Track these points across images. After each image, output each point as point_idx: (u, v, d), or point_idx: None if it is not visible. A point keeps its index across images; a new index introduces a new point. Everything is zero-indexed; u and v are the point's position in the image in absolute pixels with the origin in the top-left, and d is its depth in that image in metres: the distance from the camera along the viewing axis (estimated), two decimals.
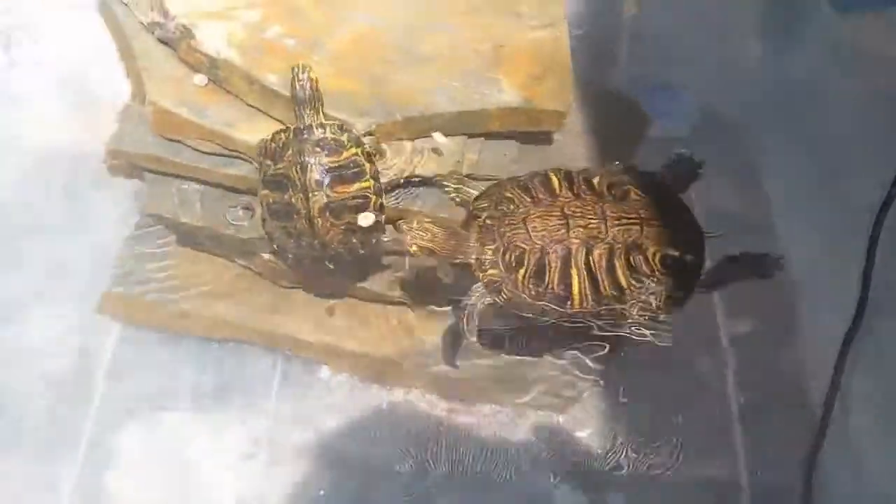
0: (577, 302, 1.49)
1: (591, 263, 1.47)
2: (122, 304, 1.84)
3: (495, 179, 1.63)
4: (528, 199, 1.53)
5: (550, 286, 1.48)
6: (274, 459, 1.76)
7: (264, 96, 1.65)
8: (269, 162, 1.58)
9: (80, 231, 2.01)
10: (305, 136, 1.56)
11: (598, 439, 1.77)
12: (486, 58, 1.71)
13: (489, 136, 1.73)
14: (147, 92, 1.68)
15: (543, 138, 1.80)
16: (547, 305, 1.50)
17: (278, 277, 1.84)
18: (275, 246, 1.67)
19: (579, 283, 1.48)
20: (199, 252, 1.87)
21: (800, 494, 1.67)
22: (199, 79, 1.70)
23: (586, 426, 1.79)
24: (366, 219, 1.58)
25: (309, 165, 1.54)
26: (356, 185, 1.57)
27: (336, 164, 1.55)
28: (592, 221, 1.49)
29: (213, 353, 1.87)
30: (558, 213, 1.49)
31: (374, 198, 1.59)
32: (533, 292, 1.49)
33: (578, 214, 1.49)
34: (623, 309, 1.50)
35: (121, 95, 1.79)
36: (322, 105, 1.58)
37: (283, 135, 1.58)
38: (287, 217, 1.59)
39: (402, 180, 1.65)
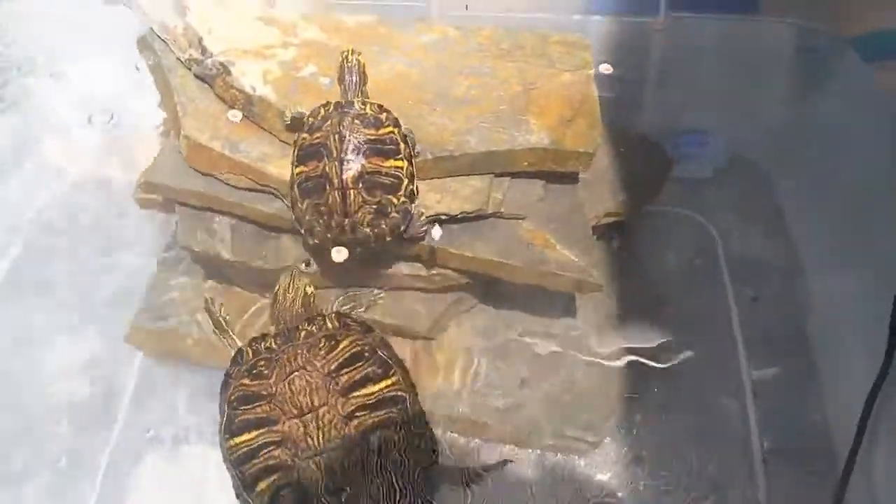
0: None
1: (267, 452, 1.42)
2: (146, 334, 1.84)
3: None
4: (335, 366, 1.46)
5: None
6: None
7: None
8: (304, 135, 1.59)
9: (108, 260, 2.02)
10: (346, 109, 1.59)
11: (619, 483, 1.75)
12: (516, 100, 1.74)
13: (516, 175, 1.74)
14: (182, 126, 1.71)
15: (569, 178, 1.82)
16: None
17: None
18: (301, 230, 1.61)
19: (244, 452, 1.45)
20: (227, 286, 1.87)
21: None
22: (234, 114, 1.73)
23: (607, 470, 1.77)
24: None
25: (347, 135, 1.55)
26: (391, 161, 1.56)
27: (374, 137, 1.56)
28: (312, 435, 1.39)
29: None
30: (311, 403, 1.41)
31: (405, 181, 1.57)
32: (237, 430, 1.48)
33: (319, 419, 1.40)
34: None
35: (156, 129, 1.82)
36: (366, 87, 1.64)
37: (322, 109, 1.60)
38: (319, 191, 1.55)
39: (427, 218, 1.65)
